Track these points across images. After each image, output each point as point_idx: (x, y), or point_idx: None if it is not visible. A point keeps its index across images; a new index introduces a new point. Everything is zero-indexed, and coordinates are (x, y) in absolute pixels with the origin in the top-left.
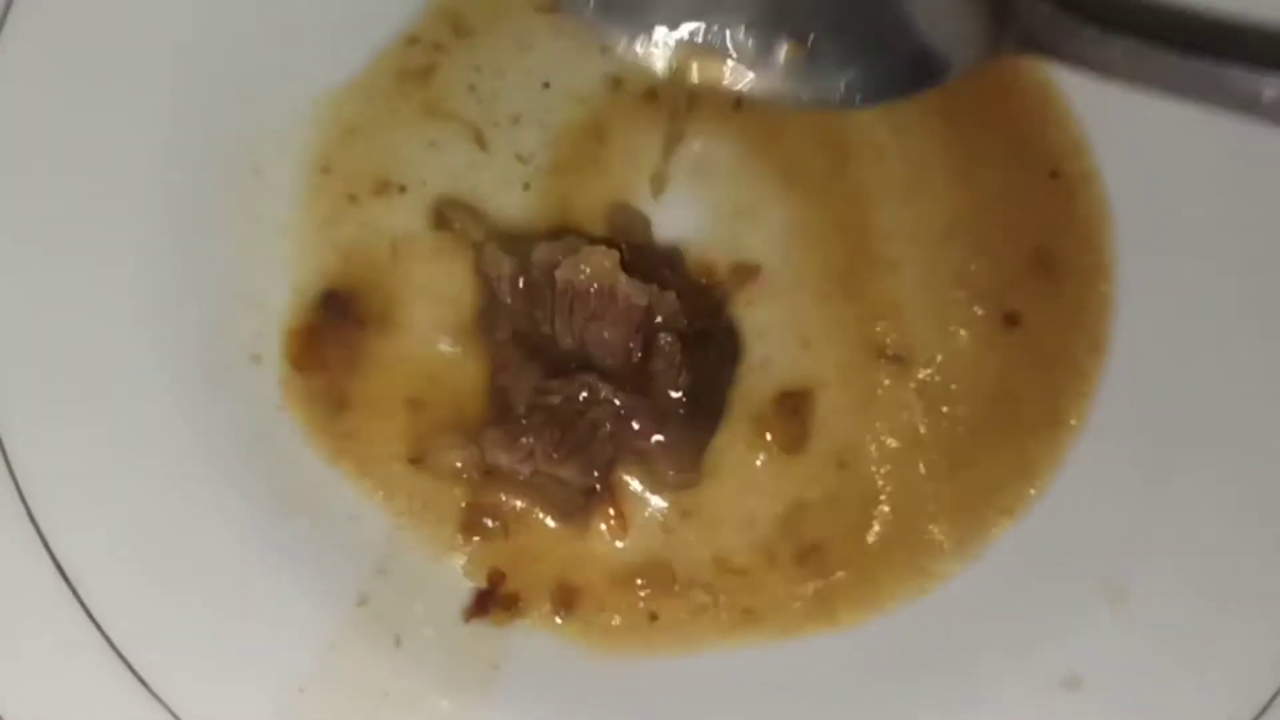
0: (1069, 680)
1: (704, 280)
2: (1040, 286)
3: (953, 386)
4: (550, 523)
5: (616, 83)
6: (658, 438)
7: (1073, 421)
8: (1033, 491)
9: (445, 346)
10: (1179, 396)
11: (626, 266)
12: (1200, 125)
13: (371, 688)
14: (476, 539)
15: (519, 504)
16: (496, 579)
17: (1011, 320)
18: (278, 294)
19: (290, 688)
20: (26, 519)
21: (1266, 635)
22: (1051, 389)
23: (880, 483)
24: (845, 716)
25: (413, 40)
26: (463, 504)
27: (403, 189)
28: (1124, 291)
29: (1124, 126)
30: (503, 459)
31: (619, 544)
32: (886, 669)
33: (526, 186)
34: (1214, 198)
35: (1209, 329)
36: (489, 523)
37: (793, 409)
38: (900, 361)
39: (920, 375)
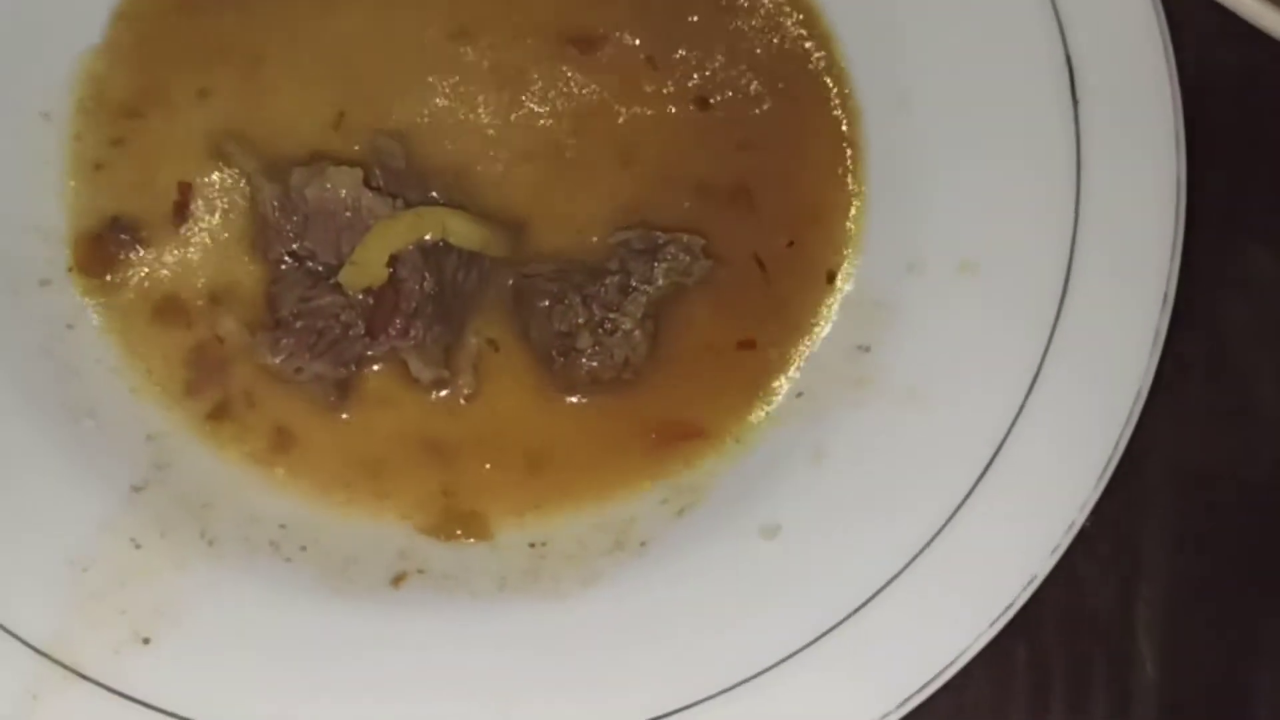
0: (768, 528)
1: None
2: None
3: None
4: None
5: None
6: (405, 338)
7: None
8: None
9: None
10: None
11: (374, 186)
12: None
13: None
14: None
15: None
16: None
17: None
18: (65, 224)
19: (73, 566)
20: None
21: (934, 486)
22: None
23: None
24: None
25: None
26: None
27: (185, 119)
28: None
29: None
30: (268, 359)
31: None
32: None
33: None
34: None
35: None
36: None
37: None
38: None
39: None
